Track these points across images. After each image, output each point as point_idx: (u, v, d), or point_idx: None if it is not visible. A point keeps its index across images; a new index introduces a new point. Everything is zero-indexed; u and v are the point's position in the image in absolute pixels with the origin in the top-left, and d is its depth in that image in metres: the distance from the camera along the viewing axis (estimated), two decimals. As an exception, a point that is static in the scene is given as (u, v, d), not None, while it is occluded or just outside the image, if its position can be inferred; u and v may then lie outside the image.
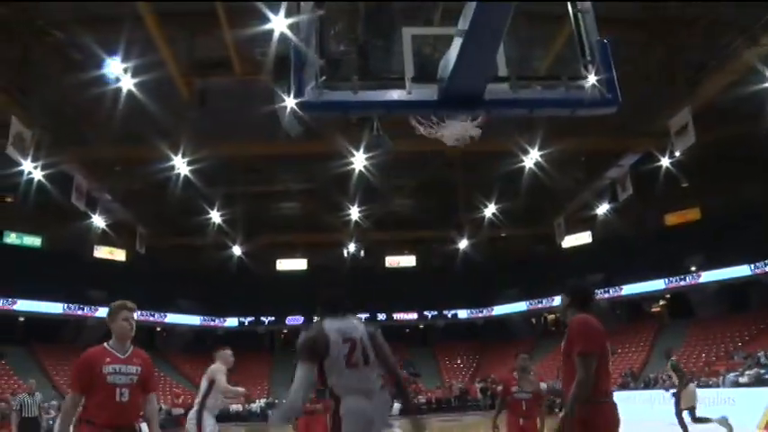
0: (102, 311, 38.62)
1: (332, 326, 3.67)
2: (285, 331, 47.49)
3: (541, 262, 42.90)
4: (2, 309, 34.51)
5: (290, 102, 20.67)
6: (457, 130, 7.82)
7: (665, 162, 28.27)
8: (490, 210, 38.14)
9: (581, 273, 39.23)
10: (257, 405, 33.93)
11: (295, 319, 45.12)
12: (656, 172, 29.37)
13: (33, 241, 38.87)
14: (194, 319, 43.98)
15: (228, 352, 8.17)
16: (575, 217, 39.17)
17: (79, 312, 37.96)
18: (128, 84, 21.73)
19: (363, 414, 3.33)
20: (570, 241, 41.64)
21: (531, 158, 28.20)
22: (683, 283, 36.61)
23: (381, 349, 3.68)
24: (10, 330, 34.86)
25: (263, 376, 42.80)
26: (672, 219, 40.07)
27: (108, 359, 4.49)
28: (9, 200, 32.20)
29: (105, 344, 4.64)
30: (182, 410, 27.77)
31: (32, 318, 32.81)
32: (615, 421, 3.83)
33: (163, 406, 28.60)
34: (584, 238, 42.78)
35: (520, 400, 6.61)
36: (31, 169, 24.61)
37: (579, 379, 3.71)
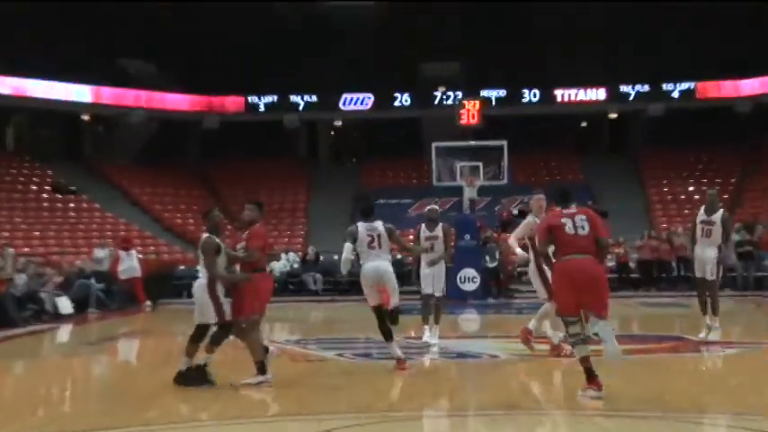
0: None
1: (363, 225, 12.39)
2: (338, 123, 48.11)
3: None
4: None
5: None
6: None
7: None
8: None
9: None
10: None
11: (356, 100, 44.82)
12: None
13: None
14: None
15: (542, 197, 13.60)
16: None
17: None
18: None
19: (375, 267, 12.20)
20: None
21: None
22: None
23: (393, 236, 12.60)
24: None
25: (296, 211, 43.72)
26: None
27: None
28: None
29: None
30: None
31: None
32: None
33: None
34: None
35: None
36: None
37: None
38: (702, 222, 15.28)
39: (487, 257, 30.16)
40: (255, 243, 11.31)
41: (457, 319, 22.61)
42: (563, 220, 9.51)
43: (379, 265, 11.93)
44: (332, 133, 49.05)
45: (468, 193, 31.61)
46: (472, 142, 34.45)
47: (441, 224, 15.45)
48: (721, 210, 15.42)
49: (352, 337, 18.44)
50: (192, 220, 40.57)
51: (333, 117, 46.67)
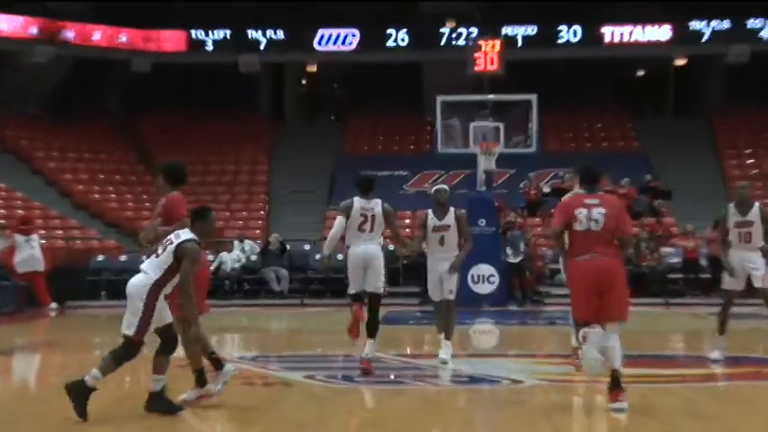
0: None
1: (359, 201, 14.92)
2: (312, 68, 48.42)
3: None
4: None
5: None
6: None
7: None
8: None
9: None
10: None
11: (337, 37, 44.90)
12: None
13: None
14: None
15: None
16: None
17: None
18: None
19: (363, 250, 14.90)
20: None
21: None
22: None
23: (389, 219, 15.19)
24: None
25: (254, 185, 44.01)
26: None
27: None
28: None
29: None
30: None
31: None
32: None
33: None
34: None
35: None
36: None
37: None
38: (738, 225, 15.45)
39: (509, 250, 30.01)
40: (181, 211, 11.30)
41: (468, 331, 22.42)
42: (577, 212, 10.93)
43: (367, 248, 14.28)
44: (303, 82, 49.47)
45: (485, 164, 31.32)
46: (490, 96, 34.25)
47: (453, 209, 15.37)
48: (756, 204, 15.64)
49: (326, 354, 18.61)
50: (114, 195, 40.85)
51: (305, 59, 46.74)
